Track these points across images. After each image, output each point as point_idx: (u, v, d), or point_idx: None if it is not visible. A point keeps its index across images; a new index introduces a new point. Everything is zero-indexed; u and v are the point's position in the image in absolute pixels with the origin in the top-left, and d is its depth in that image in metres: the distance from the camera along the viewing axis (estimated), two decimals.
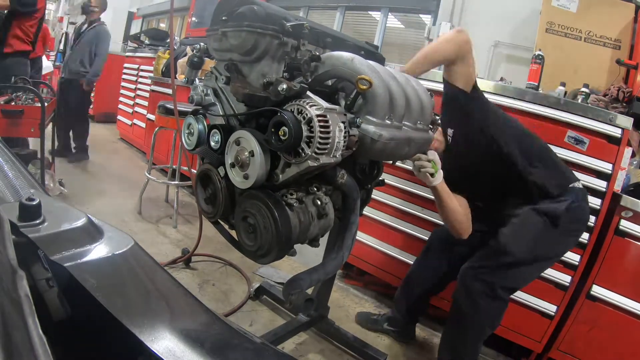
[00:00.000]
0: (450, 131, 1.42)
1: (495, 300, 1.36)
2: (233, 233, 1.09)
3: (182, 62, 3.51)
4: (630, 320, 1.54)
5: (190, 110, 1.11)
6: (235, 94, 0.97)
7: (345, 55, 0.97)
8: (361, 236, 2.12)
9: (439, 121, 1.44)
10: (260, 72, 0.99)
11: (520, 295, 1.69)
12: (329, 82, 1.08)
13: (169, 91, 3.30)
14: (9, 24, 2.86)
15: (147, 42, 4.97)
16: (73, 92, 3.67)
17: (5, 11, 2.81)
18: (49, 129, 2.56)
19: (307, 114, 0.84)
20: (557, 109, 1.66)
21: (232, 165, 0.96)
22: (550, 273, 1.65)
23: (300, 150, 0.85)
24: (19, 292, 0.32)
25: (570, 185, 1.41)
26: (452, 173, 1.41)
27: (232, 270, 2.20)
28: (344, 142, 0.89)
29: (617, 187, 1.60)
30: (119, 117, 4.97)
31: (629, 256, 1.58)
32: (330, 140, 0.84)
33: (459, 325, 1.46)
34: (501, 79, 2.65)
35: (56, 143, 3.04)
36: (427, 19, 4.09)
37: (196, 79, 1.16)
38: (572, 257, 1.63)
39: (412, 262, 2.02)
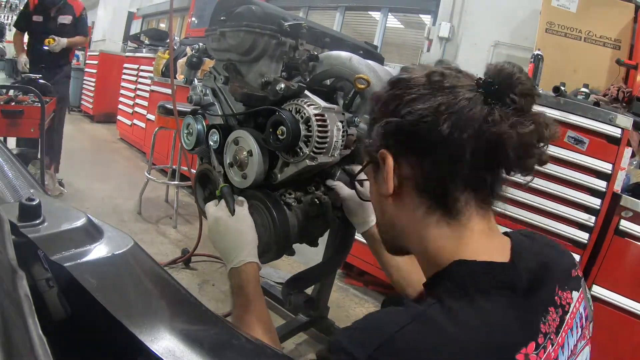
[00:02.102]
0: None
1: None
2: None
3: (182, 62, 3.52)
4: (630, 320, 1.54)
5: (189, 110, 1.11)
6: (234, 93, 0.97)
7: (343, 54, 0.97)
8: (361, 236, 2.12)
9: None
10: (258, 72, 0.99)
11: None
12: (328, 82, 1.08)
13: (169, 91, 3.30)
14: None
15: (147, 42, 4.97)
16: None
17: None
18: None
19: (305, 113, 0.84)
20: (557, 108, 1.66)
21: (231, 165, 0.96)
22: None
23: (299, 150, 0.85)
24: (19, 292, 0.32)
25: None
26: None
27: None
28: (342, 141, 0.89)
29: (617, 187, 1.60)
30: (118, 117, 4.97)
31: (629, 256, 1.58)
32: (328, 140, 0.84)
33: None
34: None
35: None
36: (427, 19, 4.09)
37: (195, 79, 1.16)
38: None
39: None
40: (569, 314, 0.53)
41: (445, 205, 0.53)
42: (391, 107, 0.55)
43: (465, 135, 0.49)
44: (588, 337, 0.60)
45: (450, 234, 0.53)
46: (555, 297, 0.52)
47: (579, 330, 0.56)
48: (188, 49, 3.70)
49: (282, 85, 0.87)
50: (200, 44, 1.15)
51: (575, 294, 0.56)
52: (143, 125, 4.22)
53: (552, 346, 0.49)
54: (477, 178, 0.53)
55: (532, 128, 0.49)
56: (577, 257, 1.63)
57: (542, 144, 0.52)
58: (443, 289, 0.49)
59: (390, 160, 0.55)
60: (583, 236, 1.58)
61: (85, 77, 6.33)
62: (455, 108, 0.50)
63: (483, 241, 0.53)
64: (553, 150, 1.66)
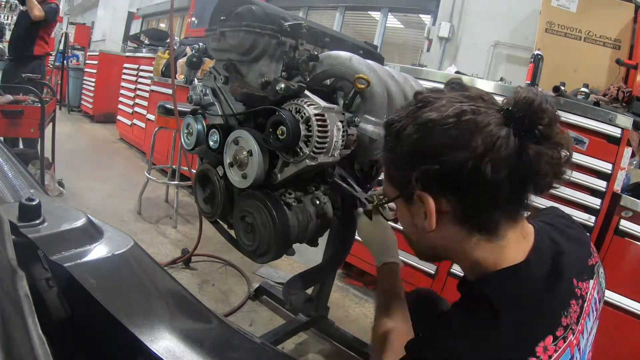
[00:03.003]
0: None
1: None
2: (232, 232, 1.09)
3: (182, 62, 3.51)
4: (630, 320, 1.54)
5: (189, 110, 1.11)
6: (234, 93, 0.97)
7: (343, 54, 0.97)
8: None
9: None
10: (258, 72, 0.99)
11: None
12: (328, 82, 1.08)
13: (169, 91, 3.30)
14: (36, 30, 3.18)
15: (146, 42, 4.97)
16: None
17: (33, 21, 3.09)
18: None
19: (305, 113, 0.84)
20: (557, 108, 1.65)
21: (231, 165, 0.96)
22: None
23: (299, 150, 0.85)
24: (19, 292, 0.32)
25: None
26: None
27: (232, 270, 2.20)
28: (342, 141, 0.89)
29: (617, 187, 1.60)
30: (118, 117, 4.97)
31: (629, 256, 1.58)
32: (328, 140, 0.84)
33: None
34: (501, 79, 2.65)
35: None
36: (426, 19, 4.09)
37: (195, 79, 1.16)
38: None
39: (411, 262, 2.02)
40: (586, 302, 0.58)
41: (484, 230, 0.57)
42: (428, 152, 0.55)
43: (503, 174, 0.52)
44: (597, 314, 0.65)
45: (491, 248, 0.58)
46: (576, 290, 0.56)
47: (594, 313, 0.61)
48: (188, 49, 3.69)
49: (282, 85, 0.87)
50: (200, 44, 1.15)
51: (590, 282, 0.60)
52: (143, 125, 4.21)
53: (573, 335, 0.54)
54: (514, 204, 0.57)
55: (562, 155, 0.54)
56: None
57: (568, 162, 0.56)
58: (490, 293, 0.54)
59: (431, 202, 0.57)
60: None
61: (85, 77, 6.33)
62: (493, 150, 0.51)
63: (515, 247, 0.58)
64: None
